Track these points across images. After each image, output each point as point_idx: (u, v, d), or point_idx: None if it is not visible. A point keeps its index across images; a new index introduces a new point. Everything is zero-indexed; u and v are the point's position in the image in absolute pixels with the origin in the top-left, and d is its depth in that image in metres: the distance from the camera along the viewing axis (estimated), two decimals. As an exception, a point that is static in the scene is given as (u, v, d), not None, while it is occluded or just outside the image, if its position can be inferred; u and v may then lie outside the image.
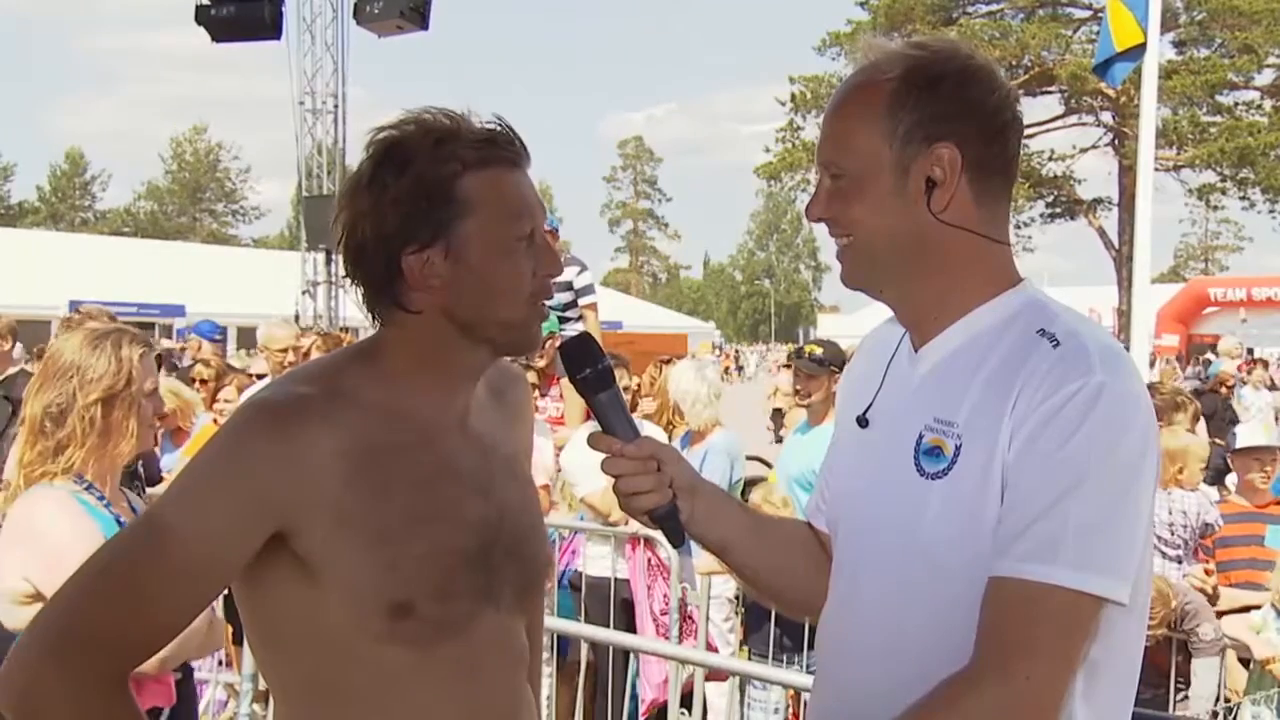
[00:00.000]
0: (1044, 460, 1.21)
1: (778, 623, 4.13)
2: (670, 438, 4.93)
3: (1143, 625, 1.33)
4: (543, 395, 6.12)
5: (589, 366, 1.43)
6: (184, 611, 1.32)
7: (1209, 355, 18.56)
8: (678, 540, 1.45)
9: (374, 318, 1.42)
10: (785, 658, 4.17)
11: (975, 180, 1.31)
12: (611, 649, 4.17)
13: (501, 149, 1.39)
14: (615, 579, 4.52)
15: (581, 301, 6.48)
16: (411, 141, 1.36)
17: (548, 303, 1.47)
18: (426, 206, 1.34)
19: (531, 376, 5.57)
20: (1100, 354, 1.24)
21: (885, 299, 1.41)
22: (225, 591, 1.42)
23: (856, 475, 1.42)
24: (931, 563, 1.27)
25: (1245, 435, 4.81)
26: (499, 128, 1.40)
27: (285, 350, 5.84)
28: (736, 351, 49.27)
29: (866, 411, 1.41)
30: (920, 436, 1.31)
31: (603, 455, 1.43)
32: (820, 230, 1.41)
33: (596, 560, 4.65)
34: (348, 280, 1.43)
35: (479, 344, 1.42)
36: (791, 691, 4.03)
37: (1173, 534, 4.32)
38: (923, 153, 1.30)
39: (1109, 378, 1.22)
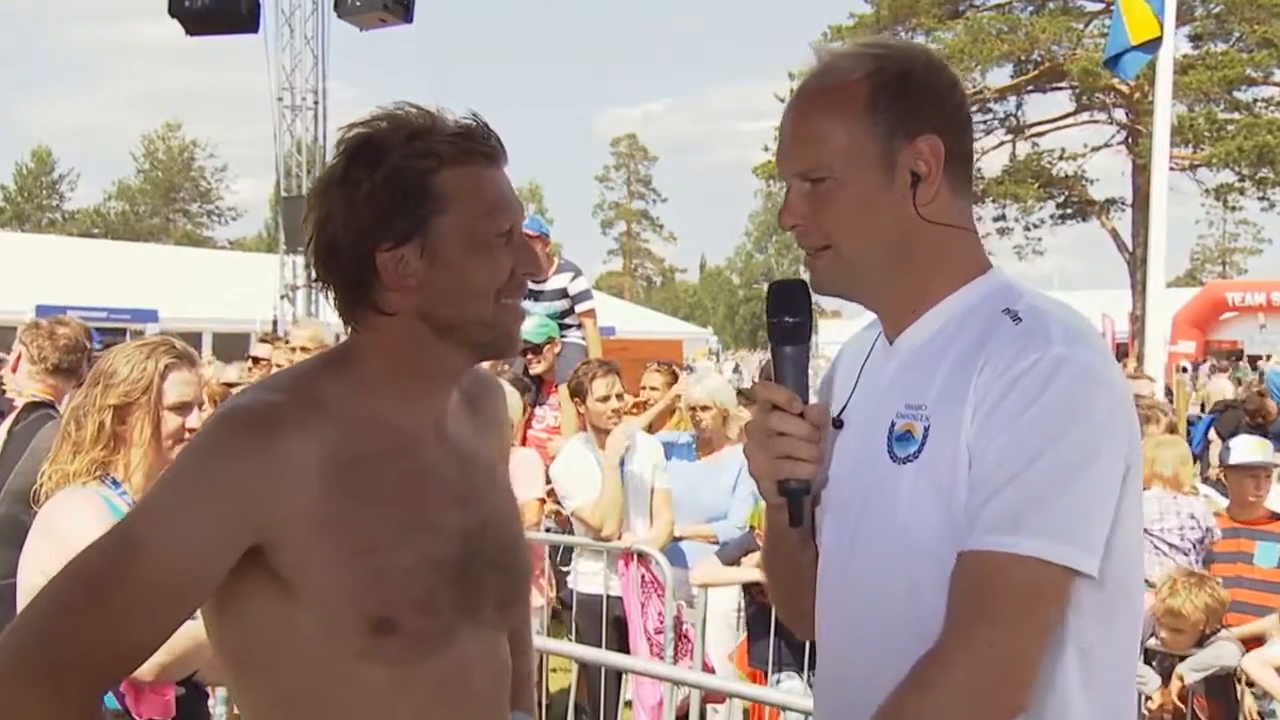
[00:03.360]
0: (1002, 431, 1.21)
1: (778, 634, 3.98)
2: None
3: (1137, 612, 1.33)
4: (540, 403, 5.98)
5: (794, 316, 1.39)
6: (158, 628, 1.28)
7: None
8: (800, 520, 1.39)
9: (347, 321, 1.39)
10: (786, 673, 4.03)
11: (952, 171, 1.33)
12: (604, 670, 4.05)
13: (478, 144, 1.36)
14: (607, 596, 4.38)
15: (579, 308, 6.35)
16: (385, 137, 1.33)
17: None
18: (402, 202, 1.31)
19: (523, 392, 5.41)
20: (1061, 329, 1.25)
21: (860, 300, 1.40)
22: None
23: (836, 475, 1.40)
24: (911, 549, 1.26)
25: (1239, 451, 4.83)
26: (475, 123, 1.37)
27: (294, 349, 5.53)
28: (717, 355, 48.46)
29: (841, 413, 1.41)
30: (892, 424, 1.31)
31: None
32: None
33: (588, 577, 4.50)
34: (319, 282, 1.39)
35: (457, 346, 1.38)
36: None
37: (1182, 538, 4.46)
38: (905, 147, 1.31)
39: (1070, 350, 1.22)
